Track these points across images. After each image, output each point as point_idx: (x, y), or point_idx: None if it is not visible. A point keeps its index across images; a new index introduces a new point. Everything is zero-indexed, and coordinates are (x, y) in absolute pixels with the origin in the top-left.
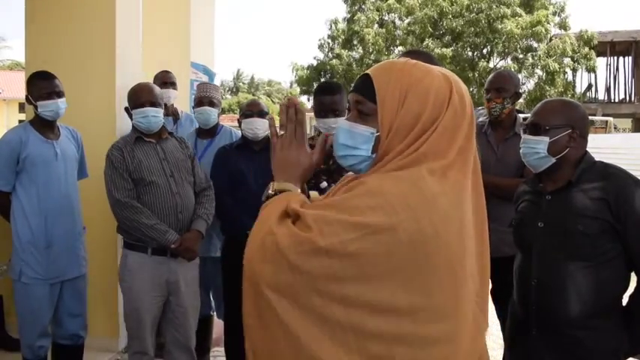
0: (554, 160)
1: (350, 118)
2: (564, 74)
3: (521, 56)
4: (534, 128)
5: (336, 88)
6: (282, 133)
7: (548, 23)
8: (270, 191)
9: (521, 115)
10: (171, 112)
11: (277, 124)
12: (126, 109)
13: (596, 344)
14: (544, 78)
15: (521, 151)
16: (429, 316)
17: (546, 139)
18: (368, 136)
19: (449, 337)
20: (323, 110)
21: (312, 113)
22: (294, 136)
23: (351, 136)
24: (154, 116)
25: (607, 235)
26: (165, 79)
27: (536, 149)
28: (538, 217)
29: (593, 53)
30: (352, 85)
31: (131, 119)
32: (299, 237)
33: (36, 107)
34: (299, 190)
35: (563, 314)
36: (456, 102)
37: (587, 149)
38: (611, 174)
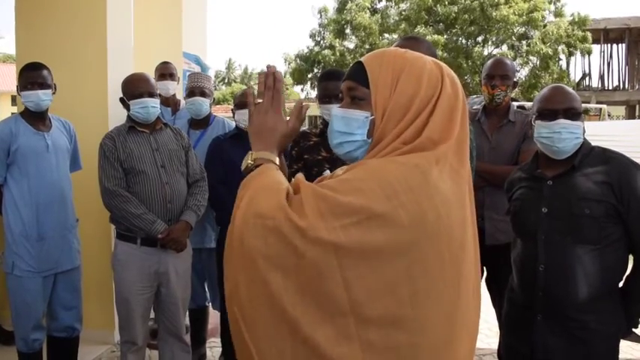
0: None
1: (343, 105)
2: (559, 60)
3: (516, 43)
4: (570, 114)
5: (340, 74)
6: (259, 101)
7: (544, 10)
8: (249, 161)
9: (515, 103)
10: (172, 104)
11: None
12: (121, 99)
13: (599, 326)
14: (538, 65)
15: (559, 136)
16: (431, 300)
17: (581, 123)
18: (362, 120)
19: (450, 320)
20: (327, 96)
21: (306, 103)
22: (270, 103)
23: (345, 123)
24: (153, 106)
25: (611, 218)
26: (163, 71)
27: (576, 134)
28: (541, 203)
29: (588, 35)
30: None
31: (127, 110)
32: (301, 224)
33: (21, 98)
34: (277, 159)
35: (572, 298)
36: (447, 85)
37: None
38: (611, 157)
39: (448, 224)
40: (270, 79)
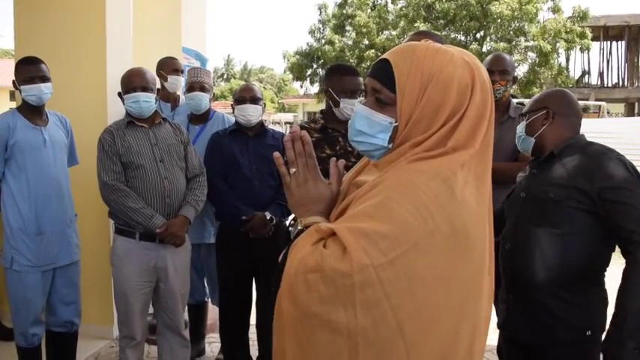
0: (532, 139)
1: (367, 104)
2: (558, 56)
3: (514, 39)
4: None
5: (355, 69)
6: (293, 170)
7: (537, 3)
8: (300, 227)
9: (515, 100)
10: (172, 99)
11: (271, 115)
12: (119, 94)
13: (566, 315)
14: (537, 61)
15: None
16: (462, 315)
17: (524, 123)
18: (386, 125)
19: (472, 336)
20: (348, 91)
21: (294, 101)
22: (307, 171)
23: (368, 124)
24: (145, 101)
25: (574, 203)
26: (176, 67)
27: (519, 132)
28: (522, 188)
29: (587, 31)
30: (369, 69)
31: (124, 104)
32: (343, 268)
33: (21, 92)
34: (326, 222)
35: (529, 278)
36: (477, 93)
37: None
38: (589, 148)
39: (474, 239)
40: (298, 144)
